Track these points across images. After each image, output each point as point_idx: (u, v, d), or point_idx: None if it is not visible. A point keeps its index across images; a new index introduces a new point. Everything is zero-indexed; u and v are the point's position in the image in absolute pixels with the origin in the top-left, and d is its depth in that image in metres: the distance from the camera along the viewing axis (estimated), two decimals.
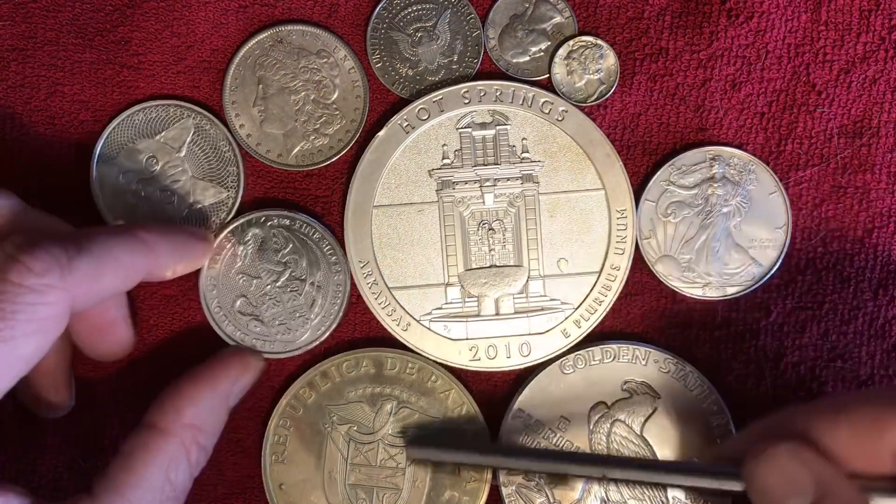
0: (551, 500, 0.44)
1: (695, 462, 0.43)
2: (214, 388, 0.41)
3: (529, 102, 0.45)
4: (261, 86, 0.45)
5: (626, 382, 0.45)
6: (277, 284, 0.45)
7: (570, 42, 0.45)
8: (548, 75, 0.45)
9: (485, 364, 0.45)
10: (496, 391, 0.46)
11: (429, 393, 0.45)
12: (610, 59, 0.45)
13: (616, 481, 0.42)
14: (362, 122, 0.45)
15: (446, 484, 0.44)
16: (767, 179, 0.45)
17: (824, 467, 0.35)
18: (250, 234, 0.45)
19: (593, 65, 0.45)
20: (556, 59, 0.45)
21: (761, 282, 0.45)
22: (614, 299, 0.45)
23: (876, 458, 0.35)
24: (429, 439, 0.44)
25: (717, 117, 0.45)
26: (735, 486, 0.37)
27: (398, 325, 0.45)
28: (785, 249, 0.45)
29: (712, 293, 0.45)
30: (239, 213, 0.45)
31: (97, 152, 0.45)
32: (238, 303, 0.45)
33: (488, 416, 0.45)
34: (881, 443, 0.35)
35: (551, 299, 0.45)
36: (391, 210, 0.45)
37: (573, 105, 0.45)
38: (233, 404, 0.42)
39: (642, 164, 0.46)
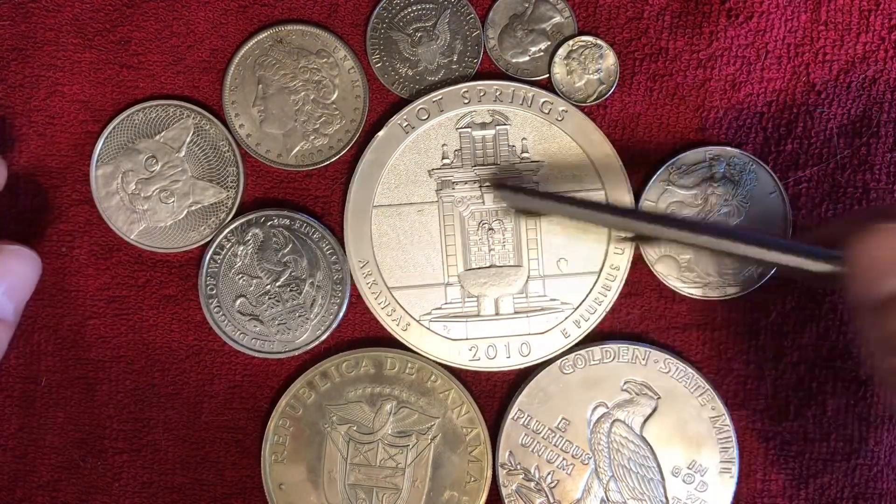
0: (551, 500, 0.44)
1: (790, 241, 0.41)
2: None
3: (529, 102, 0.45)
4: (261, 86, 0.45)
5: (626, 382, 0.45)
6: (277, 284, 0.45)
7: (570, 42, 0.45)
8: (547, 75, 0.45)
9: (485, 364, 0.45)
10: (496, 391, 0.46)
11: (428, 393, 0.45)
12: (610, 59, 0.45)
13: (704, 249, 0.39)
14: (362, 122, 0.45)
15: (446, 484, 0.44)
16: (767, 179, 0.45)
17: None
18: (250, 234, 0.45)
19: (593, 65, 0.45)
20: (556, 59, 0.45)
21: (761, 282, 0.45)
22: (614, 299, 0.45)
23: None
24: (518, 189, 0.43)
25: (717, 117, 0.45)
26: (836, 267, 0.35)
27: (398, 325, 0.45)
28: None
29: (712, 293, 0.45)
30: (239, 213, 0.45)
31: (97, 152, 0.45)
32: (238, 303, 0.45)
33: (488, 417, 0.45)
34: None
35: (551, 299, 0.45)
36: (391, 210, 0.45)
37: (573, 105, 0.45)
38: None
39: (642, 164, 0.46)
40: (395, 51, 0.45)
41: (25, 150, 0.45)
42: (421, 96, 0.45)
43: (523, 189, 0.43)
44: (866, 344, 0.33)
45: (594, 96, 0.45)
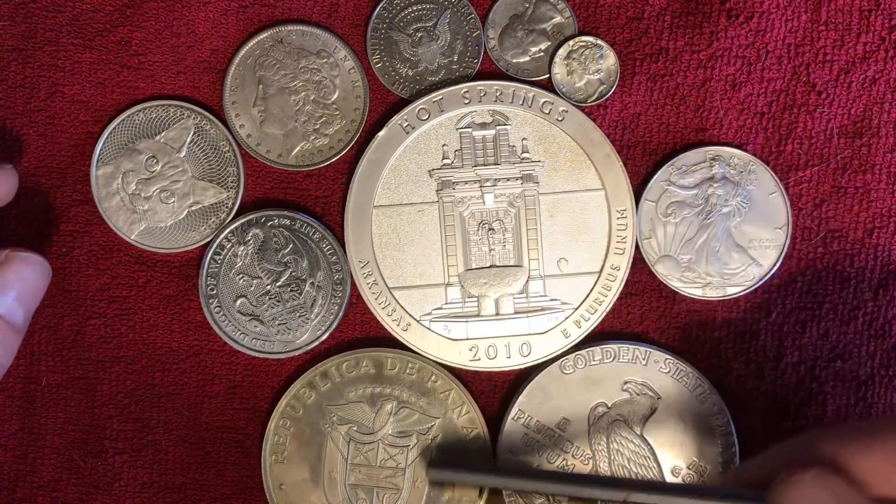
0: (551, 501, 0.44)
1: (719, 486, 0.43)
2: None
3: (529, 102, 0.45)
4: (261, 86, 0.45)
5: (626, 382, 0.45)
6: (278, 284, 0.45)
7: (570, 42, 0.45)
8: (548, 75, 0.45)
9: (485, 364, 0.45)
10: (496, 391, 0.46)
11: (429, 393, 0.45)
12: (610, 59, 0.45)
13: None
14: (362, 122, 0.45)
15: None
16: (767, 179, 0.45)
17: (852, 495, 0.34)
18: (250, 234, 0.45)
19: (593, 65, 0.45)
20: (556, 59, 0.45)
21: (761, 282, 0.45)
22: (614, 299, 0.45)
23: None
24: (448, 461, 0.44)
25: (717, 117, 0.45)
26: None
27: (398, 325, 0.45)
28: (785, 249, 0.45)
29: (712, 293, 0.45)
30: (239, 213, 0.45)
31: (97, 152, 0.45)
32: (238, 303, 0.45)
33: (488, 417, 0.45)
34: None
35: (551, 299, 0.45)
36: (391, 210, 0.45)
37: (573, 105, 0.45)
38: (5, 309, 0.40)
39: (642, 164, 0.46)
40: (396, 51, 0.45)
41: (25, 150, 0.45)
42: (421, 96, 0.45)
43: (454, 463, 0.43)
44: None
45: (594, 96, 0.45)
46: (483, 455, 0.44)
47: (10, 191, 0.43)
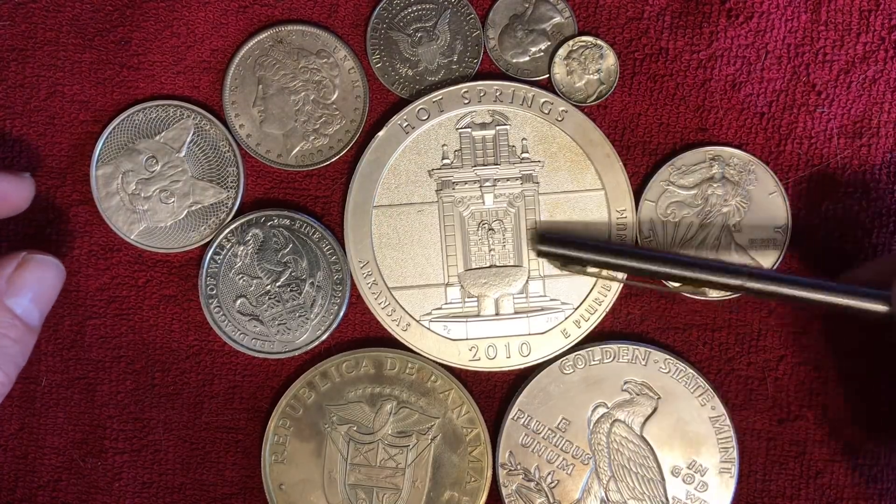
0: (551, 500, 0.44)
1: (839, 283, 0.41)
2: None
3: (529, 102, 0.45)
4: (261, 86, 0.45)
5: (626, 382, 0.45)
6: (277, 284, 0.45)
7: (570, 42, 0.45)
8: (547, 75, 0.45)
9: (485, 364, 0.45)
10: (496, 391, 0.46)
11: (429, 393, 0.45)
12: (610, 60, 0.45)
13: (754, 293, 0.40)
14: (362, 122, 0.45)
15: (446, 484, 0.44)
16: (767, 179, 0.45)
17: None
18: (250, 234, 0.45)
19: (593, 65, 0.45)
20: (556, 60, 0.45)
21: None
22: (614, 299, 0.45)
23: None
24: (558, 236, 0.43)
25: (717, 117, 0.45)
26: (880, 307, 0.35)
27: (398, 325, 0.45)
28: (785, 249, 0.45)
29: (712, 293, 0.45)
30: (239, 213, 0.45)
31: (97, 152, 0.45)
32: (238, 303, 0.45)
33: (488, 417, 0.45)
34: None
35: (551, 299, 0.45)
36: (391, 210, 0.45)
37: (573, 105, 0.45)
38: (23, 310, 0.41)
39: (642, 164, 0.46)
40: (396, 51, 0.45)
41: (25, 150, 0.45)
42: (421, 96, 0.45)
43: (567, 240, 0.43)
44: None
45: (594, 96, 0.45)
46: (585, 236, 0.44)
47: (28, 199, 0.43)
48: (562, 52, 0.45)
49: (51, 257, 0.42)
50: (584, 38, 0.45)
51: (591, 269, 0.43)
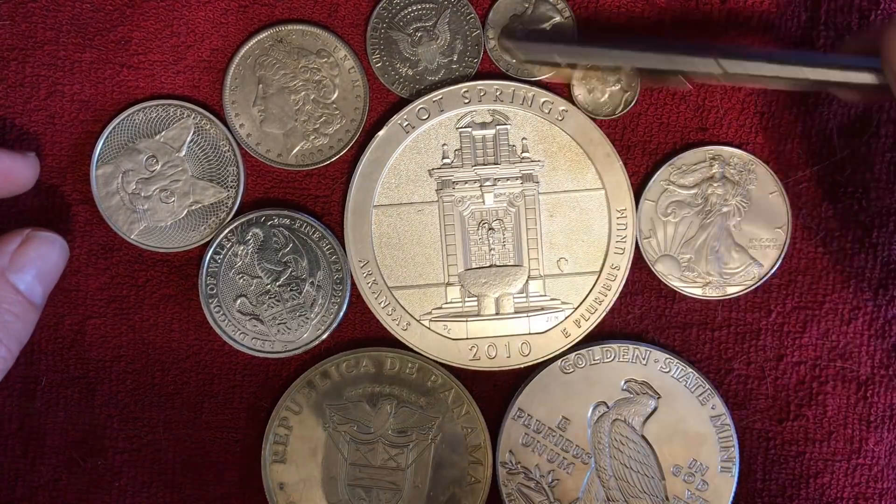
0: (551, 500, 0.44)
1: (826, 55, 0.38)
2: None
3: (529, 102, 0.45)
4: (261, 86, 0.45)
5: (626, 382, 0.45)
6: (277, 284, 0.45)
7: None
8: (547, 76, 0.45)
9: (485, 364, 0.45)
10: (496, 391, 0.46)
11: (429, 393, 0.45)
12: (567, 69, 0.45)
13: (732, 77, 0.37)
14: (362, 121, 0.45)
15: (446, 484, 0.44)
16: (767, 179, 0.45)
17: None
18: (250, 233, 0.45)
19: (611, 76, 0.45)
20: (574, 82, 0.45)
21: (761, 282, 0.45)
22: (614, 299, 0.45)
23: None
24: (531, 37, 0.41)
25: (717, 117, 0.45)
26: (868, 78, 0.32)
27: (398, 324, 0.45)
28: (785, 249, 0.45)
29: (712, 293, 0.45)
30: (239, 213, 0.45)
31: (97, 152, 0.45)
32: (238, 302, 0.45)
33: (488, 417, 0.45)
34: None
35: (551, 299, 0.45)
36: (391, 210, 0.45)
37: (574, 105, 0.45)
38: (26, 286, 0.41)
39: (642, 163, 0.46)
40: (396, 51, 0.45)
41: (25, 149, 0.45)
42: (421, 96, 0.45)
43: (536, 34, 0.41)
44: None
45: (621, 106, 0.45)
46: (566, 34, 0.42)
47: (32, 178, 0.44)
48: (577, 73, 0.45)
49: (55, 234, 0.42)
50: None
51: (560, 63, 0.41)
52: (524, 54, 0.40)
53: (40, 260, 0.41)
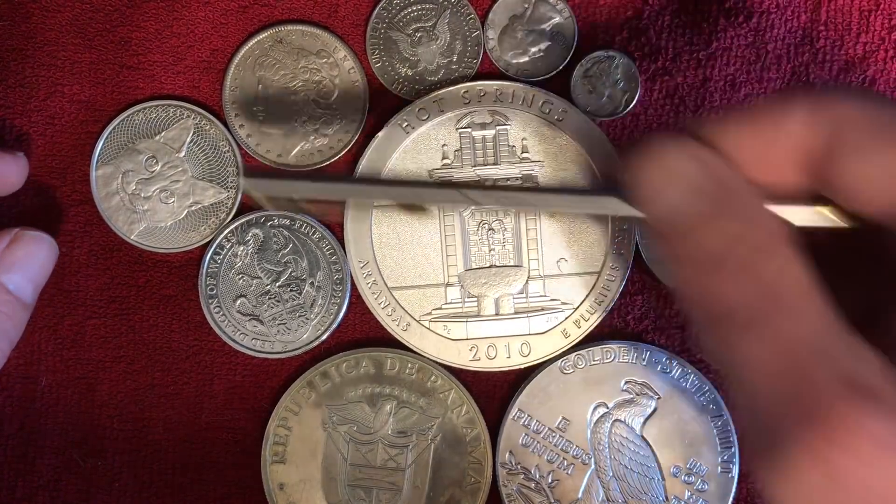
0: (551, 501, 0.44)
1: (567, 185, 0.38)
2: None
3: (529, 102, 0.45)
4: (261, 86, 0.45)
5: (626, 382, 0.45)
6: (277, 284, 0.45)
7: (583, 61, 0.45)
8: (547, 76, 0.45)
9: (485, 364, 0.45)
10: (496, 391, 0.46)
11: (429, 393, 0.45)
12: (626, 67, 0.45)
13: (480, 206, 0.36)
14: (362, 122, 0.45)
15: (446, 484, 0.44)
16: None
17: (724, 169, 0.28)
18: (250, 234, 0.45)
19: (611, 77, 0.45)
20: (574, 82, 0.45)
21: None
22: (614, 299, 0.45)
23: (775, 162, 0.28)
24: (267, 173, 0.40)
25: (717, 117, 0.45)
26: (618, 207, 0.29)
27: (398, 325, 0.45)
28: None
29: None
30: (239, 213, 0.45)
31: (97, 152, 0.45)
32: (238, 303, 0.45)
33: (488, 417, 0.45)
34: (781, 140, 0.28)
35: (551, 299, 0.45)
36: (391, 210, 0.45)
37: (574, 106, 0.45)
38: (15, 286, 0.41)
39: None
40: (395, 51, 0.45)
41: (25, 150, 0.45)
42: (421, 96, 0.45)
43: (273, 173, 0.40)
44: (675, 278, 0.28)
45: (621, 106, 0.45)
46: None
47: (21, 178, 0.44)
48: (577, 73, 0.45)
49: (43, 234, 0.42)
50: (594, 54, 0.45)
51: (303, 205, 0.38)
52: (260, 191, 0.35)
53: (29, 259, 0.42)
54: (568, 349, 0.45)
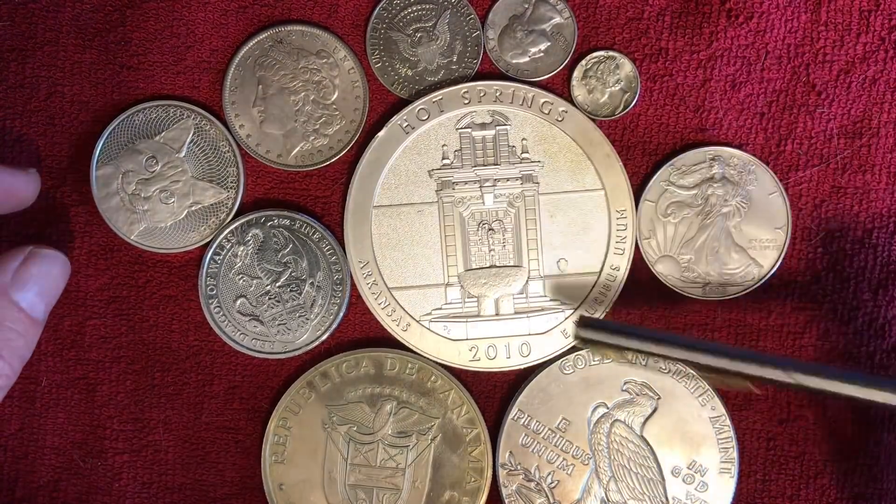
0: (551, 501, 0.44)
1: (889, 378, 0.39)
2: None
3: (529, 102, 0.45)
4: (260, 86, 0.45)
5: (626, 383, 0.45)
6: (277, 285, 0.45)
7: (583, 62, 0.45)
8: (547, 76, 0.45)
9: (485, 364, 0.45)
10: (496, 391, 0.46)
11: (429, 393, 0.45)
12: (626, 67, 0.45)
13: (800, 388, 0.38)
14: (362, 122, 0.45)
15: (446, 484, 0.44)
16: (767, 179, 0.45)
17: None
18: (250, 234, 0.45)
19: (611, 77, 0.45)
20: (574, 82, 0.45)
21: (761, 282, 0.45)
22: (614, 299, 0.45)
23: None
24: (598, 322, 0.42)
25: (717, 117, 0.45)
26: None
27: (398, 325, 0.45)
28: (785, 249, 0.45)
29: (712, 293, 0.45)
30: (239, 214, 0.45)
31: (97, 152, 0.45)
32: (238, 303, 0.45)
33: (488, 417, 0.45)
34: None
35: (551, 299, 0.45)
36: (391, 210, 0.45)
37: (574, 106, 0.45)
38: (28, 304, 0.41)
39: (642, 164, 0.46)
40: (395, 51, 0.45)
41: (25, 150, 0.45)
42: (421, 97, 0.45)
43: (607, 326, 0.41)
44: None
45: (621, 107, 0.45)
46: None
47: (34, 194, 0.44)
48: (577, 73, 0.45)
49: (56, 252, 0.42)
50: (595, 53, 0.45)
51: (630, 357, 0.43)
52: (581, 334, 0.40)
53: (42, 277, 0.41)
54: (568, 349, 0.45)
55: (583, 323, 0.41)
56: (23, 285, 0.41)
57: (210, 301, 0.45)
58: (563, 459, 0.44)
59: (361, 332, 0.46)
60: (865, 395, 0.36)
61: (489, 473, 0.44)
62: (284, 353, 0.45)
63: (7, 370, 0.40)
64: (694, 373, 0.44)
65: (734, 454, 0.44)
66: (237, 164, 0.45)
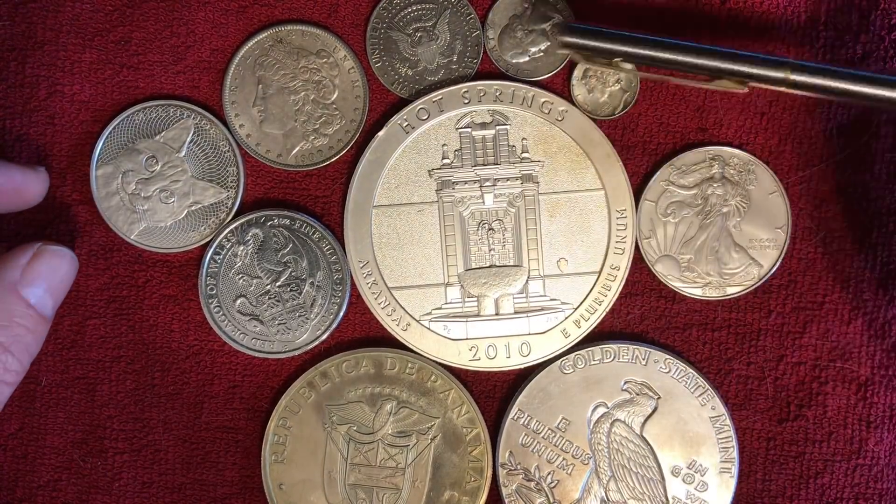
0: (551, 500, 0.44)
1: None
2: None
3: (529, 102, 0.45)
4: (260, 86, 0.45)
5: (626, 382, 0.45)
6: (277, 284, 0.45)
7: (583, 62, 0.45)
8: (547, 76, 0.45)
9: (485, 364, 0.45)
10: (496, 391, 0.46)
11: (429, 393, 0.45)
12: (626, 66, 0.45)
13: (798, 86, 0.37)
14: (362, 122, 0.45)
15: (446, 484, 0.44)
16: (767, 179, 0.45)
17: None
18: (250, 234, 0.45)
19: (611, 77, 0.45)
20: (574, 82, 0.45)
21: (761, 282, 0.45)
22: (614, 299, 0.45)
23: None
24: (581, 27, 0.40)
25: (717, 117, 0.45)
26: None
27: (398, 325, 0.45)
28: (785, 249, 0.45)
29: (712, 293, 0.45)
30: (239, 213, 0.45)
31: (97, 152, 0.45)
32: (238, 303, 0.45)
33: (488, 417, 0.45)
34: None
35: (551, 299, 0.45)
36: (391, 210, 0.45)
37: (574, 106, 0.45)
38: (37, 300, 0.41)
39: (642, 164, 0.46)
40: (395, 51, 0.45)
41: (25, 150, 0.45)
42: (421, 96, 0.45)
43: (592, 30, 0.39)
44: None
45: (621, 106, 0.45)
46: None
47: (42, 192, 0.44)
48: (577, 73, 0.45)
49: (65, 248, 0.43)
50: None
51: (619, 62, 0.40)
52: (567, 38, 0.39)
53: (51, 273, 0.42)
54: (568, 349, 0.45)
55: (566, 29, 0.39)
56: (32, 281, 0.41)
57: (210, 301, 0.45)
58: (563, 459, 0.44)
59: (361, 332, 0.46)
60: (867, 90, 0.35)
61: (489, 473, 0.44)
62: (284, 352, 0.45)
63: (17, 366, 0.40)
64: (687, 73, 0.41)
65: (734, 454, 0.44)
66: (237, 164, 0.45)
